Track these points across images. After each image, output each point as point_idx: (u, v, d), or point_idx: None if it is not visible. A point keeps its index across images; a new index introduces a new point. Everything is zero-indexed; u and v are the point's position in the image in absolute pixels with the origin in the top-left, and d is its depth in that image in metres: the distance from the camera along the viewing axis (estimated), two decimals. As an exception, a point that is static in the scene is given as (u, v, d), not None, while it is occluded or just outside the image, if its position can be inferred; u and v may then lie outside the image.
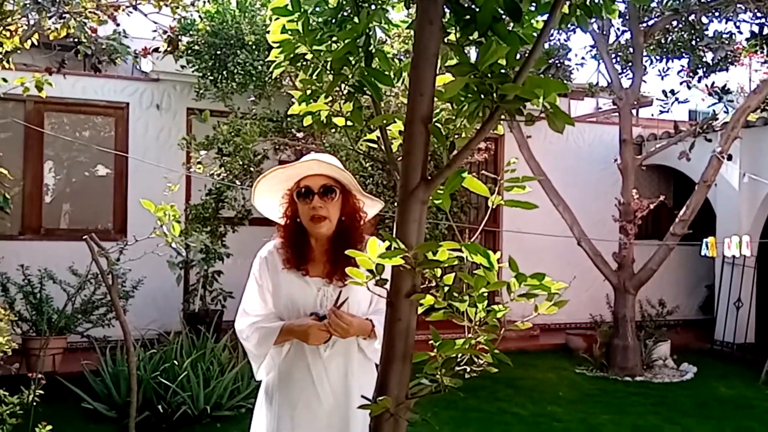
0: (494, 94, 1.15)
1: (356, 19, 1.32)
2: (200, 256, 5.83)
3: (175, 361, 4.45)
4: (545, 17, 1.18)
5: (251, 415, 2.03)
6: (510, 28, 1.19)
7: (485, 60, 1.12)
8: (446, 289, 1.19)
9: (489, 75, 1.14)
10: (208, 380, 4.40)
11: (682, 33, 6.84)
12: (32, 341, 5.15)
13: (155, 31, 4.72)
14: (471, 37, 1.22)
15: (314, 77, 1.40)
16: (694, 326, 8.24)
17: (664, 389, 5.80)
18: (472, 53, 1.23)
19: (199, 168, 5.24)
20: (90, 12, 3.92)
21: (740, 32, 6.69)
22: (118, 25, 4.41)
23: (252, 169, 5.51)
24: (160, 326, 5.74)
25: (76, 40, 4.04)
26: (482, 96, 1.18)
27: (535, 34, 1.23)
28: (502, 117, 1.19)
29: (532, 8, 1.21)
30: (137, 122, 6.73)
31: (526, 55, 1.18)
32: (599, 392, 5.61)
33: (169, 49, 4.80)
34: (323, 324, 1.79)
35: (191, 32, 5.67)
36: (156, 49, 5.00)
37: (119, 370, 4.44)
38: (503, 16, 1.17)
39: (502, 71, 1.16)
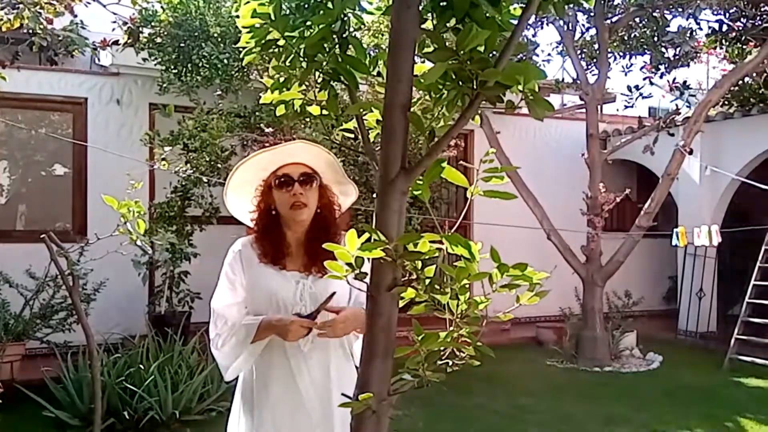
0: (474, 81, 1.12)
1: (330, 5, 1.27)
2: (166, 255, 5.67)
3: (141, 366, 4.31)
4: (523, 4, 1.16)
5: (226, 419, 1.96)
6: (487, 15, 1.16)
7: (465, 44, 1.09)
8: (427, 281, 1.15)
9: (469, 60, 1.11)
10: (176, 384, 4.27)
11: (645, 29, 6.98)
12: (-12, 348, 4.93)
13: (115, 22, 4.55)
14: (448, 24, 1.19)
15: (287, 65, 1.34)
16: (659, 316, 8.44)
17: (632, 378, 5.92)
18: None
19: (164, 164, 5.08)
20: (45, 3, 3.75)
21: (701, 29, 6.88)
22: (75, 16, 4.24)
23: (219, 165, 5.38)
24: (125, 330, 5.57)
25: (30, 31, 3.87)
26: (461, 83, 1.15)
27: (512, 21, 1.20)
28: (481, 105, 1.16)
29: (510, -6, 1.18)
30: (96, 118, 6.50)
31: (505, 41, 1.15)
32: (570, 383, 5.68)
33: (129, 41, 4.64)
34: (306, 321, 1.74)
35: (153, 23, 5.48)
36: (116, 42, 4.82)
37: (82, 376, 4.28)
38: (480, 2, 1.14)
39: (482, 57, 1.13)
